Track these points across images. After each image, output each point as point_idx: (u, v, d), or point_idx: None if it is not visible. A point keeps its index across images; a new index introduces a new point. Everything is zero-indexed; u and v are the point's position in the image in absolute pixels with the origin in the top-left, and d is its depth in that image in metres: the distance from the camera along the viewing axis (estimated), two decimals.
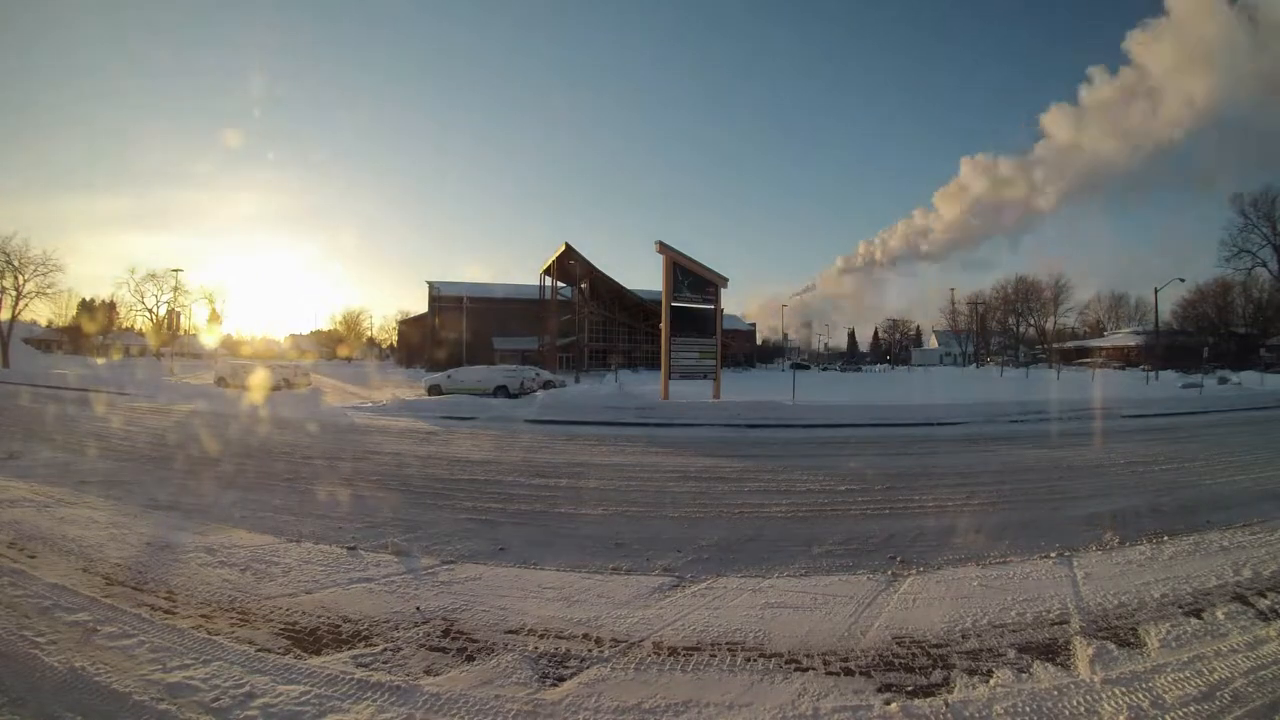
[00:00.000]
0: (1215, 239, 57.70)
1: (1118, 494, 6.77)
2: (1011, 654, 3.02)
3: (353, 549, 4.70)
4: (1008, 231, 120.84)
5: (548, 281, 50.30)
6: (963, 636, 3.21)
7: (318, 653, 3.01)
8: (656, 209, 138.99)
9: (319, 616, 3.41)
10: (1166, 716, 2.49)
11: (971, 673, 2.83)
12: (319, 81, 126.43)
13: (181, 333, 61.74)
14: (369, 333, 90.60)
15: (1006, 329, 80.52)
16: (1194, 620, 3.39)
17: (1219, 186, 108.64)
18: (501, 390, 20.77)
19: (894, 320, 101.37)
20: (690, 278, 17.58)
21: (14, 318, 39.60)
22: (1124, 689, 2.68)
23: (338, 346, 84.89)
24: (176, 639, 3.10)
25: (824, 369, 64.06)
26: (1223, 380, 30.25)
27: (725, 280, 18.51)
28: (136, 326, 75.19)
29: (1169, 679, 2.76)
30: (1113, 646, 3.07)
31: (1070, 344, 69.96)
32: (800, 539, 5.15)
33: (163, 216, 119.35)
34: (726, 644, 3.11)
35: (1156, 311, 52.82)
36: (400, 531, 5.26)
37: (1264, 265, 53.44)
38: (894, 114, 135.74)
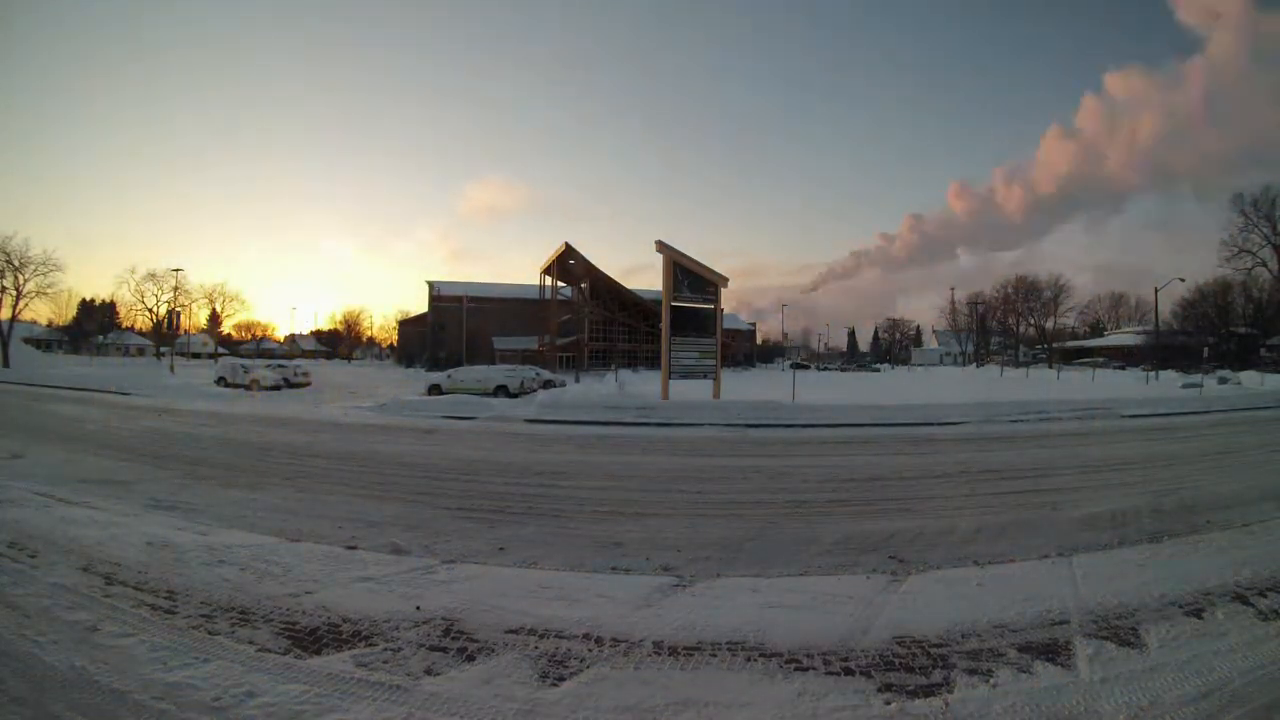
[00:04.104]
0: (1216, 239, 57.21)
1: (1117, 493, 6.77)
2: (1012, 654, 3.01)
3: (353, 548, 4.70)
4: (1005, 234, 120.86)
5: (548, 281, 50.27)
6: (963, 636, 3.21)
7: (318, 652, 3.01)
8: (658, 207, 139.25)
9: (319, 616, 3.41)
10: (1166, 716, 2.49)
11: (972, 672, 2.83)
12: (319, 80, 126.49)
13: (182, 332, 61.66)
14: (369, 332, 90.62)
15: (1006, 329, 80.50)
16: (1194, 620, 3.39)
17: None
18: (501, 390, 20.77)
19: (894, 320, 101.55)
20: (690, 277, 17.55)
21: (14, 317, 39.58)
22: (1124, 688, 2.68)
23: (338, 346, 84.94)
24: (177, 638, 3.10)
25: (823, 369, 64.01)
26: (1223, 380, 30.25)
27: (725, 280, 18.50)
28: (136, 326, 75.33)
29: (1169, 679, 2.76)
30: (1113, 646, 3.07)
31: (1070, 344, 69.93)
32: (800, 539, 5.15)
33: (163, 216, 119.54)
34: (726, 644, 3.11)
35: (1156, 311, 52.85)
36: (400, 531, 5.26)
37: (1264, 265, 53.33)
38: (899, 114, 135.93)
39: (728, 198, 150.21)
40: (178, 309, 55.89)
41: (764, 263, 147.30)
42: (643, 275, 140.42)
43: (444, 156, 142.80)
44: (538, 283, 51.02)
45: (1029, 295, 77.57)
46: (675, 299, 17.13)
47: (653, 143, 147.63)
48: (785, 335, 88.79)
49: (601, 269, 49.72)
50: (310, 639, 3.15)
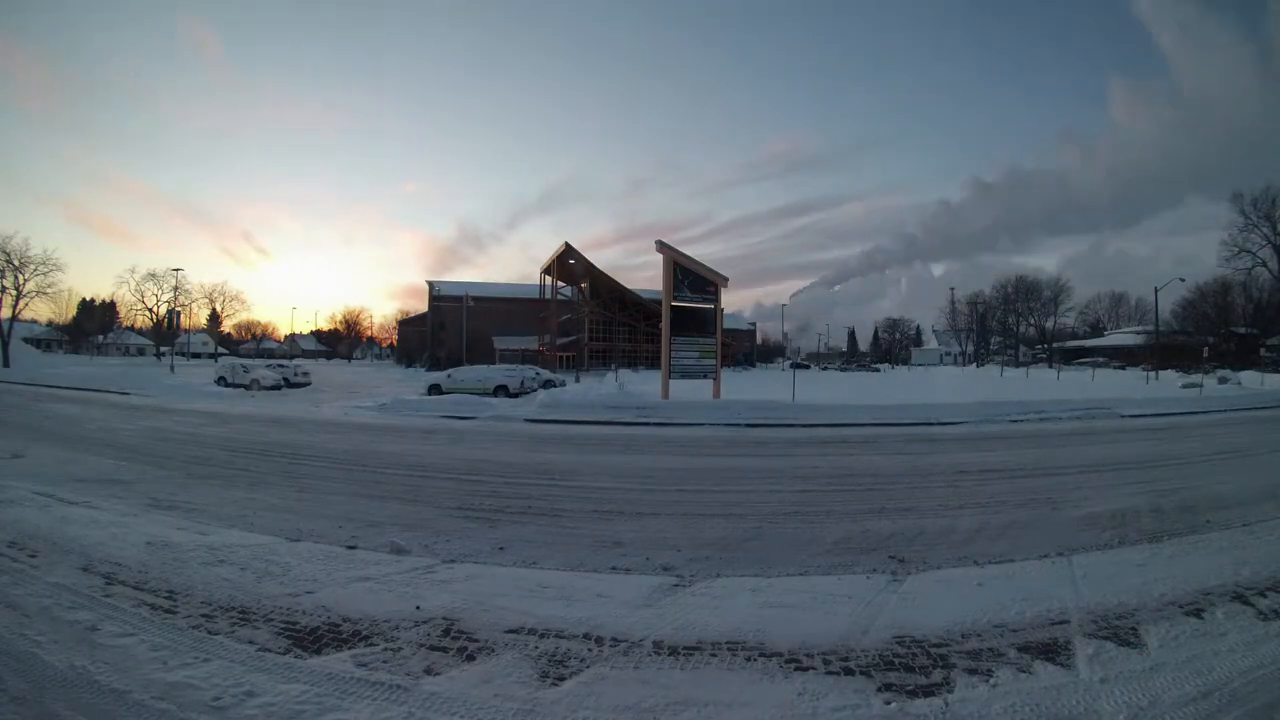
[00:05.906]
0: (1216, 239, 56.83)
1: (1117, 493, 6.77)
2: (1012, 654, 3.01)
3: (352, 548, 4.70)
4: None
5: (548, 281, 50.28)
6: (963, 636, 3.21)
7: (318, 652, 3.01)
8: (659, 206, 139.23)
9: (319, 616, 3.41)
10: (1166, 716, 2.49)
11: (972, 672, 2.83)
12: (317, 76, 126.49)
13: (182, 332, 61.69)
14: (369, 332, 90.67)
15: (1006, 328, 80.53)
16: (1194, 620, 3.39)
17: None
18: (501, 389, 20.79)
19: (893, 319, 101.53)
20: (690, 277, 17.55)
21: (14, 317, 39.62)
22: (1124, 688, 2.68)
23: (338, 346, 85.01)
24: (177, 638, 3.10)
25: (824, 369, 64.04)
26: (1223, 380, 30.29)
27: (726, 280, 18.50)
28: (136, 325, 75.38)
29: (1168, 679, 2.76)
30: (1112, 646, 3.07)
31: (1070, 343, 69.93)
32: (800, 538, 5.15)
33: (161, 213, 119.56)
34: (726, 643, 3.11)
35: (1156, 311, 52.85)
36: (400, 530, 5.26)
37: (1264, 265, 53.28)
38: (904, 113, 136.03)
39: (729, 193, 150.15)
40: (178, 309, 55.98)
41: (766, 261, 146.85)
42: (643, 275, 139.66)
43: (446, 154, 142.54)
44: (538, 282, 51.03)
45: (1029, 295, 77.63)
46: (675, 299, 17.14)
47: (654, 137, 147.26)
48: (785, 334, 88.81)
49: (602, 269, 49.63)
50: (310, 639, 3.15)
